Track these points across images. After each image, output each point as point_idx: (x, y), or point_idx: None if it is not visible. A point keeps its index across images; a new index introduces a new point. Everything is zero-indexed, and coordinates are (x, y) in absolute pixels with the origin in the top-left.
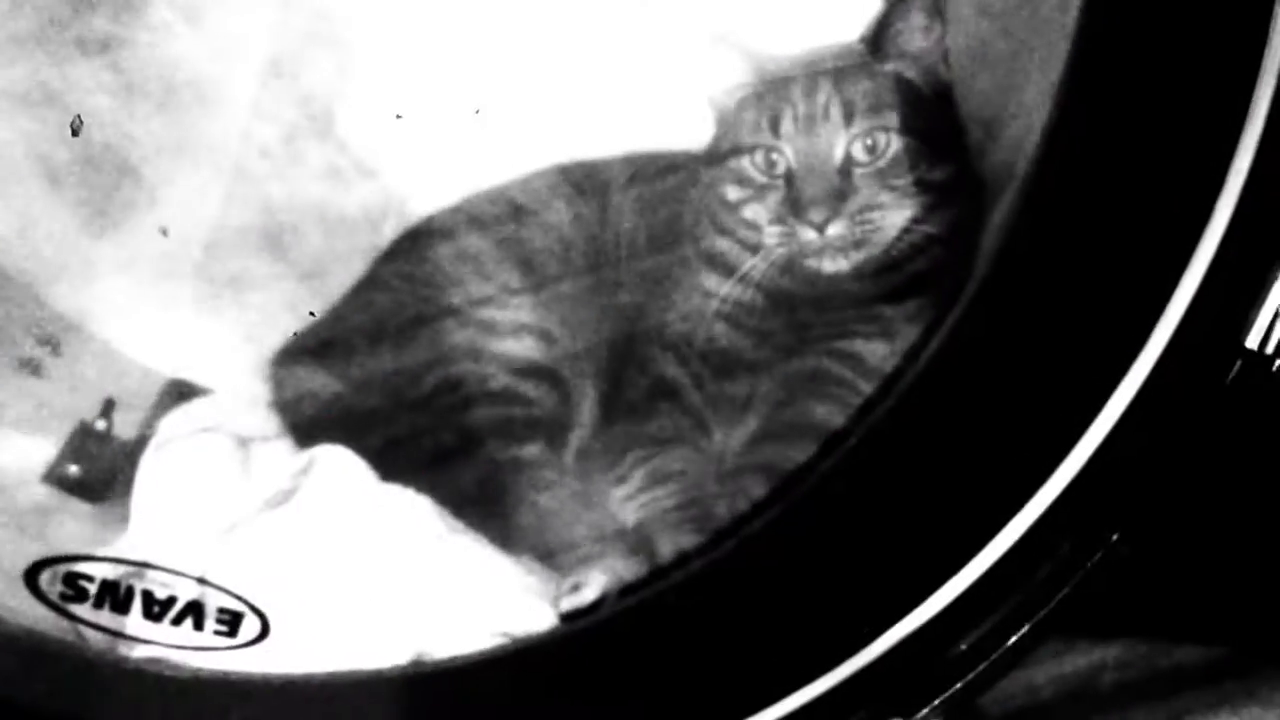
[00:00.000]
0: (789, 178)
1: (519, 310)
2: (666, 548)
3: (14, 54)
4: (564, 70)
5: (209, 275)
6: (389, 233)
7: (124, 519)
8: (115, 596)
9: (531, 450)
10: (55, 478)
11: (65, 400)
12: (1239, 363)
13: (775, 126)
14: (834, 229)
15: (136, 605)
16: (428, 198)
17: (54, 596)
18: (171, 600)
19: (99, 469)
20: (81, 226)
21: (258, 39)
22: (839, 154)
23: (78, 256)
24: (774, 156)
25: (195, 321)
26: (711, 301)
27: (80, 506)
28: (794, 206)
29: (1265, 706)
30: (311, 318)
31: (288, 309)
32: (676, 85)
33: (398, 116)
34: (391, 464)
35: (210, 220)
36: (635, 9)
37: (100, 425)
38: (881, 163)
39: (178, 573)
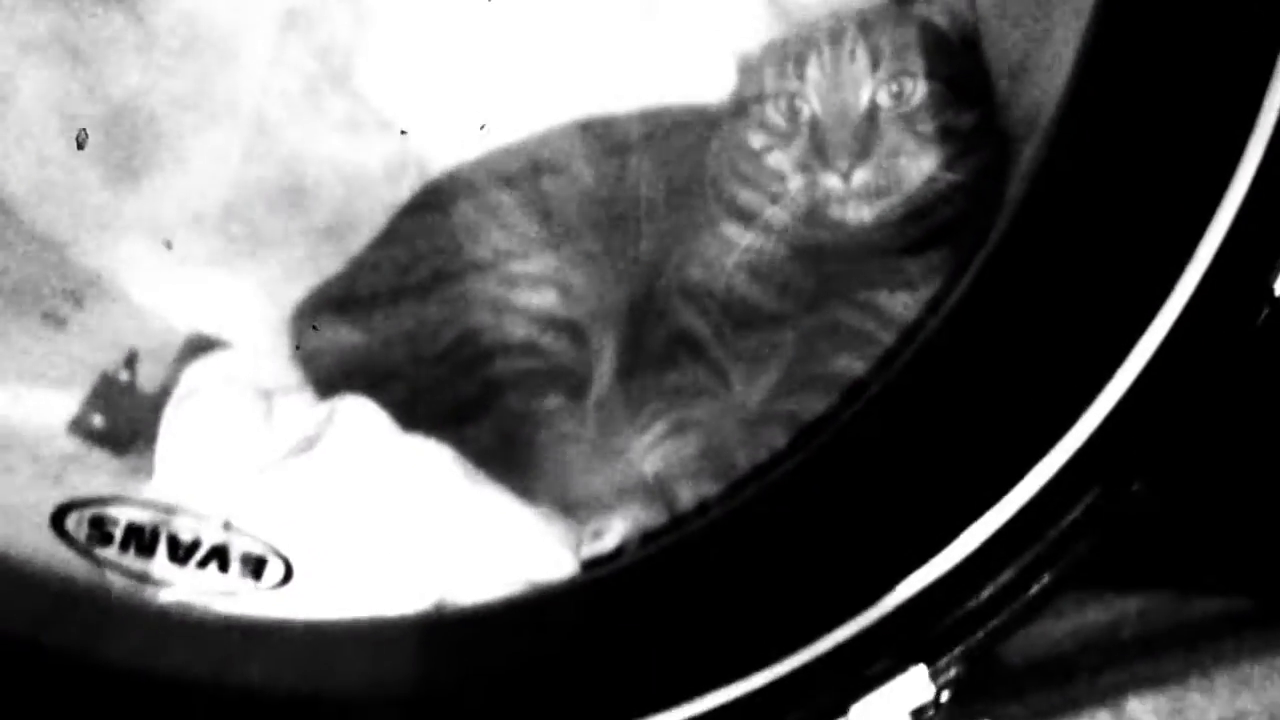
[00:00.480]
0: (814, 124)
1: (539, 263)
2: (686, 495)
3: (35, 5)
4: (586, 23)
5: (229, 231)
6: (409, 187)
7: (148, 470)
8: (141, 540)
9: (552, 402)
10: (80, 428)
11: (88, 353)
12: (1267, 309)
13: (800, 72)
14: (859, 175)
15: (162, 548)
16: (448, 152)
17: (80, 539)
18: (197, 544)
19: (123, 420)
20: (104, 181)
21: None
22: (865, 99)
23: (100, 211)
24: (798, 102)
25: (215, 277)
26: (733, 251)
27: (105, 458)
28: (818, 152)
29: None
30: (333, 272)
31: (308, 264)
32: (700, 37)
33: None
34: (413, 416)
35: (230, 175)
36: None
37: (123, 376)
38: (907, 108)
39: (203, 516)
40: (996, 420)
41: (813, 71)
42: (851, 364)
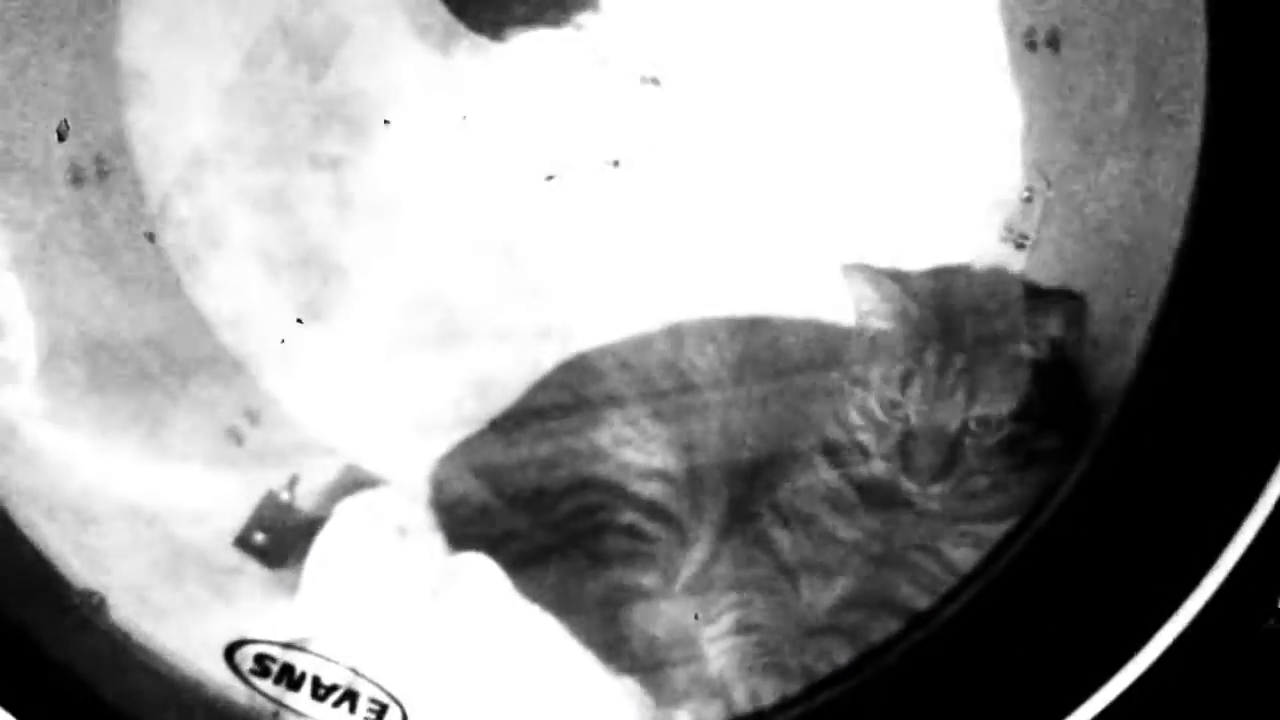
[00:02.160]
0: (907, 433)
1: (654, 457)
2: (740, 696)
3: (255, 161)
4: (728, 235)
5: (390, 369)
6: (551, 350)
7: (294, 587)
8: (291, 677)
9: (648, 580)
10: (243, 542)
11: (258, 471)
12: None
13: (905, 385)
14: (935, 489)
15: (306, 687)
16: (590, 327)
17: (245, 671)
18: (335, 687)
19: (281, 539)
20: (292, 316)
21: (456, 166)
22: (956, 426)
23: (285, 341)
24: (898, 410)
25: (374, 410)
26: (819, 485)
27: (259, 570)
28: (904, 459)
29: None
30: (475, 430)
31: (454, 406)
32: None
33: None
34: (526, 573)
35: (398, 321)
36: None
37: (285, 497)
38: (993, 439)
39: (334, 661)
40: (1041, 665)
41: (915, 390)
42: (916, 595)
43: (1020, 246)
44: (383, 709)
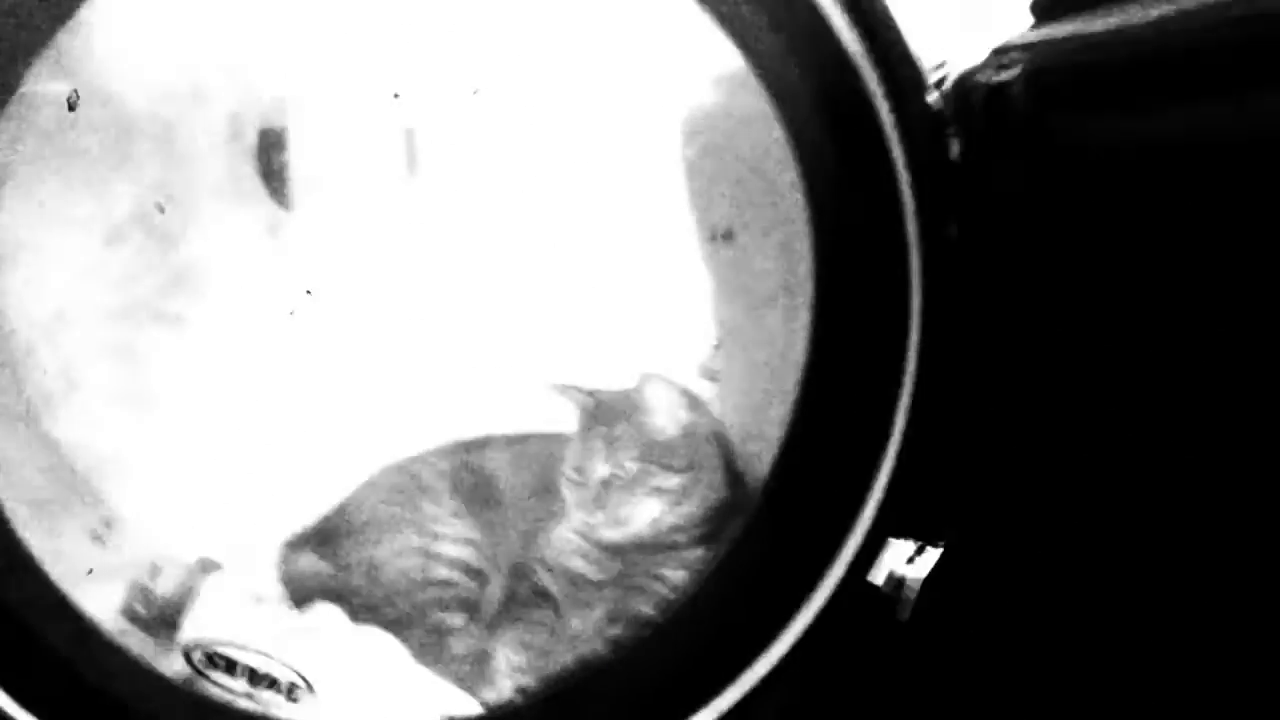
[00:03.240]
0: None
1: (458, 528)
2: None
3: (109, 318)
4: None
5: (227, 481)
6: (366, 464)
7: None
8: (231, 667)
9: (458, 620)
10: (128, 613)
11: (121, 566)
12: (869, 590)
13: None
14: (596, 518)
15: (242, 675)
16: (388, 445)
17: (200, 665)
18: (266, 675)
19: (157, 613)
20: (132, 440)
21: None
22: (602, 474)
23: (124, 462)
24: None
25: (214, 518)
26: (567, 543)
27: (145, 636)
28: (580, 506)
29: None
30: (309, 521)
31: (286, 512)
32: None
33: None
34: (365, 622)
35: (229, 438)
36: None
37: (149, 583)
38: (626, 480)
39: (268, 656)
40: (725, 649)
41: (581, 454)
42: (650, 610)
43: (713, 380)
44: (294, 688)
